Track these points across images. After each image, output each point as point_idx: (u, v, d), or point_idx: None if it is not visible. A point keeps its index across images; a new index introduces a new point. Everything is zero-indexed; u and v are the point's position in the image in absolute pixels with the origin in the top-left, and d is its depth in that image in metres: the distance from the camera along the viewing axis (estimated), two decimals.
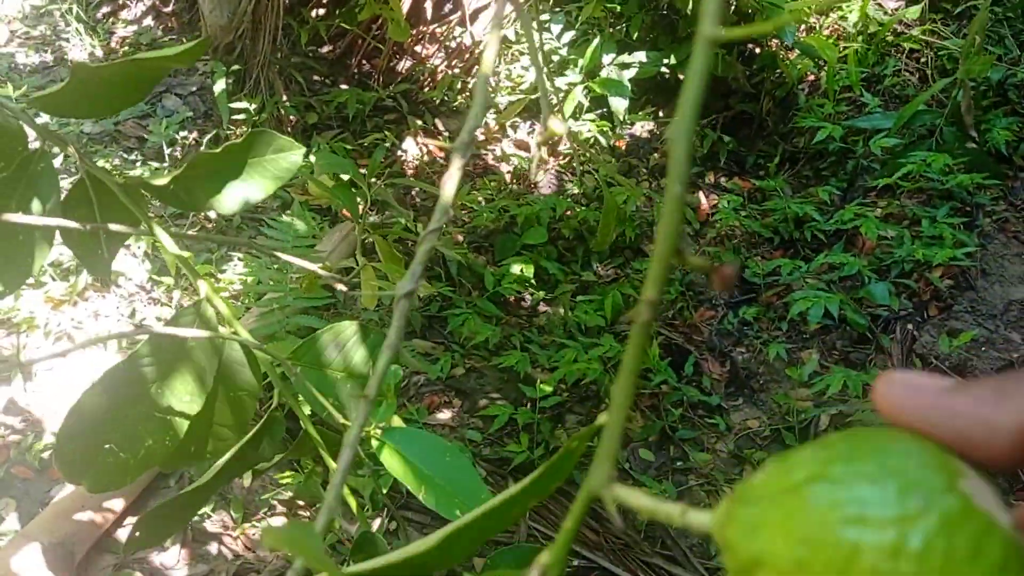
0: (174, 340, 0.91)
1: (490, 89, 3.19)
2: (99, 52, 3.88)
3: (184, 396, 0.94)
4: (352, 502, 1.06)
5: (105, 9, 4.22)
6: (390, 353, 0.67)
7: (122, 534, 1.84)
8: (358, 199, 2.21)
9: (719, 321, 2.90)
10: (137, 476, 0.98)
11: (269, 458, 1.11)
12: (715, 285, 0.31)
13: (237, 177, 0.99)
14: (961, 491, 0.22)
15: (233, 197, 0.99)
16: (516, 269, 2.88)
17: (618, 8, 3.62)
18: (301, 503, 2.05)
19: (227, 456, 1.06)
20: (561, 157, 3.62)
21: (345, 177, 2.54)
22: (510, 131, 3.68)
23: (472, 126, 0.78)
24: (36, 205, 1.00)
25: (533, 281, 2.90)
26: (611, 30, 3.60)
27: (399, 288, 0.72)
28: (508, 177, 3.48)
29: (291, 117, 3.57)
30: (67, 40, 3.96)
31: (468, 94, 3.81)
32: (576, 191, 3.33)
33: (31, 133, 0.93)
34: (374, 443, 1.22)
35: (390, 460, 1.09)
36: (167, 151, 3.30)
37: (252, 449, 1.09)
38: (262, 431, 1.08)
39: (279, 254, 1.09)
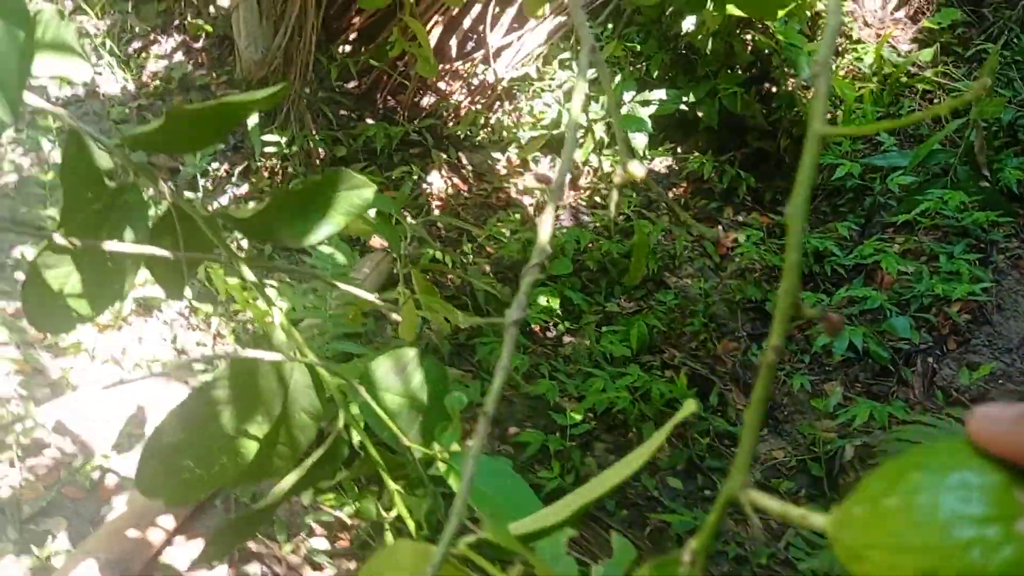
0: (250, 364, 0.98)
1: (513, 125, 3.24)
2: (131, 86, 3.97)
3: (256, 417, 1.01)
4: (411, 522, 1.13)
5: (136, 44, 4.32)
6: (503, 375, 0.74)
7: (172, 552, 1.89)
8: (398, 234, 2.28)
9: (742, 353, 2.96)
10: (207, 493, 1.04)
11: (331, 477, 1.17)
12: (826, 331, 0.40)
13: (315, 212, 1.05)
14: (1017, 534, 0.28)
15: (310, 231, 1.05)
16: (542, 300, 2.95)
17: (638, 48, 3.72)
18: (346, 523, 2.09)
19: (295, 475, 1.11)
20: (581, 191, 3.70)
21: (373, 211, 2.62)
22: (532, 165, 3.77)
23: (564, 170, 0.85)
24: (128, 234, 1.07)
25: (559, 312, 2.96)
26: (631, 68, 3.70)
27: (508, 315, 0.80)
28: (531, 210, 3.56)
29: (320, 150, 3.65)
30: (99, 73, 4.05)
31: (490, 129, 3.90)
32: (597, 224, 3.41)
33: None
34: (441, 466, 1.29)
35: (458, 482, 1.16)
36: (201, 182, 3.38)
37: (317, 469, 1.15)
38: (327, 451, 1.14)
39: (341, 285, 1.16)
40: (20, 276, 2.53)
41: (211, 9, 4.22)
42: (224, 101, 0.97)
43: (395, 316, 1.38)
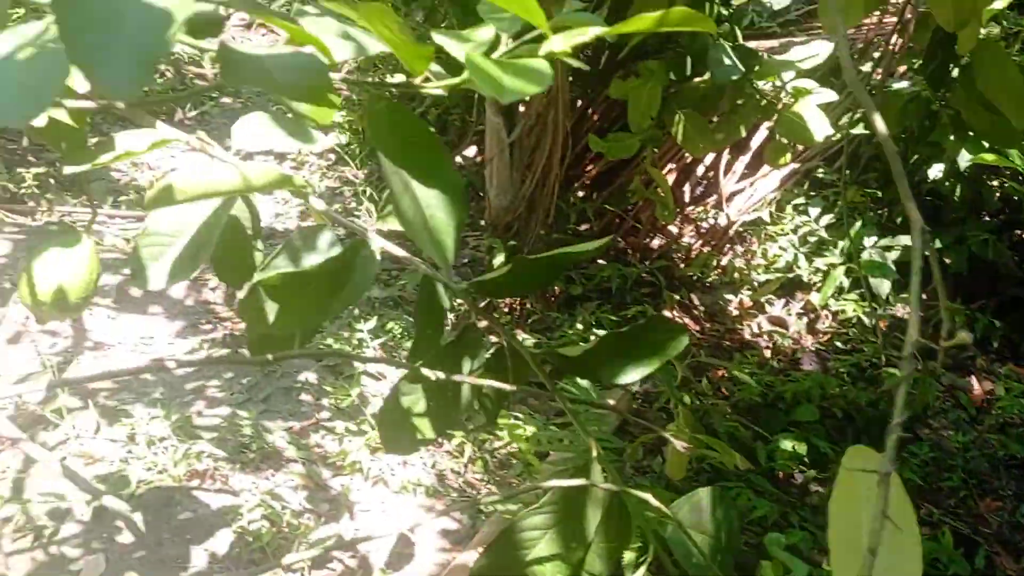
0: (576, 492, 1.05)
1: (745, 267, 3.27)
2: (384, 229, 4.36)
3: (571, 543, 1.07)
4: None
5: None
6: (878, 523, 0.77)
7: None
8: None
9: (1010, 513, 2.76)
10: None
11: None
12: None
13: (635, 354, 1.13)
14: None
15: (626, 371, 1.13)
16: (787, 445, 2.89)
17: (879, 193, 3.71)
18: None
19: None
20: (820, 335, 3.65)
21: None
22: (767, 307, 3.77)
23: (912, 336, 0.89)
24: (467, 366, 1.20)
25: (806, 459, 2.89)
26: (872, 214, 3.68)
27: (880, 467, 0.84)
28: (767, 353, 3.54)
29: (556, 288, 3.83)
30: (358, 216, 4.48)
31: (721, 271, 3.96)
32: (841, 370, 3.34)
33: None
34: None
35: None
36: (451, 316, 3.62)
37: None
38: None
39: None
40: (304, 398, 2.79)
41: (458, 159, 4.61)
42: (560, 252, 1.10)
43: (680, 446, 1.43)
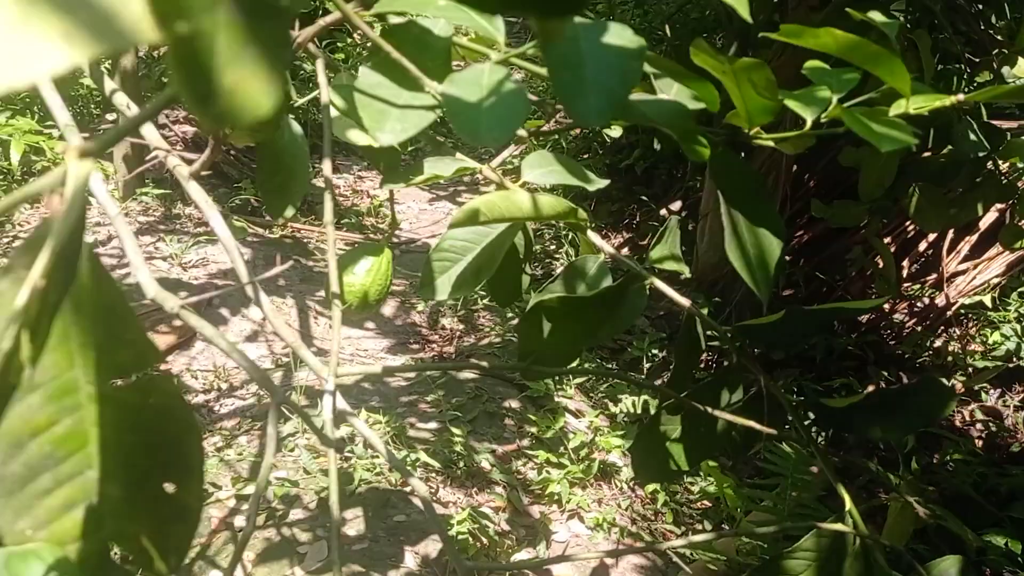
0: (829, 540, 1.07)
1: (960, 352, 3.13)
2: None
3: None
4: None
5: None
6: None
7: None
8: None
9: None
10: None
11: None
12: None
13: (900, 413, 1.14)
14: None
15: (892, 429, 1.14)
16: (1000, 541, 2.73)
17: None
18: None
19: None
20: None
21: None
22: (982, 395, 3.58)
23: None
24: (723, 400, 1.24)
25: (1020, 558, 2.72)
26: None
27: None
28: (979, 443, 3.36)
29: (755, 350, 3.79)
30: (558, 259, 4.63)
31: (933, 352, 3.80)
32: None
33: None
34: None
35: None
36: (645, 365, 3.67)
37: None
38: None
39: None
40: (508, 423, 2.90)
41: (662, 212, 4.68)
42: (834, 306, 1.14)
43: (921, 511, 1.42)
